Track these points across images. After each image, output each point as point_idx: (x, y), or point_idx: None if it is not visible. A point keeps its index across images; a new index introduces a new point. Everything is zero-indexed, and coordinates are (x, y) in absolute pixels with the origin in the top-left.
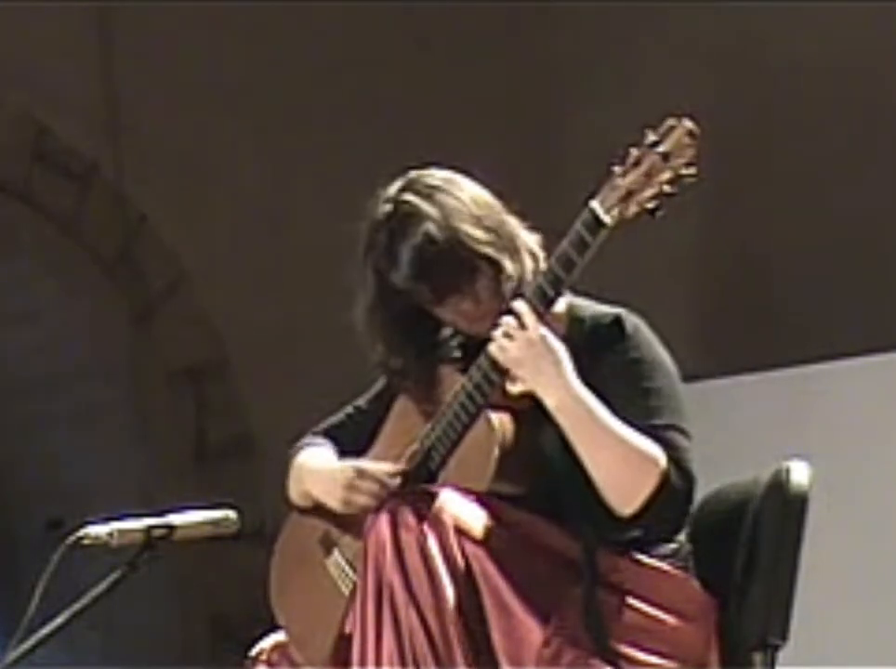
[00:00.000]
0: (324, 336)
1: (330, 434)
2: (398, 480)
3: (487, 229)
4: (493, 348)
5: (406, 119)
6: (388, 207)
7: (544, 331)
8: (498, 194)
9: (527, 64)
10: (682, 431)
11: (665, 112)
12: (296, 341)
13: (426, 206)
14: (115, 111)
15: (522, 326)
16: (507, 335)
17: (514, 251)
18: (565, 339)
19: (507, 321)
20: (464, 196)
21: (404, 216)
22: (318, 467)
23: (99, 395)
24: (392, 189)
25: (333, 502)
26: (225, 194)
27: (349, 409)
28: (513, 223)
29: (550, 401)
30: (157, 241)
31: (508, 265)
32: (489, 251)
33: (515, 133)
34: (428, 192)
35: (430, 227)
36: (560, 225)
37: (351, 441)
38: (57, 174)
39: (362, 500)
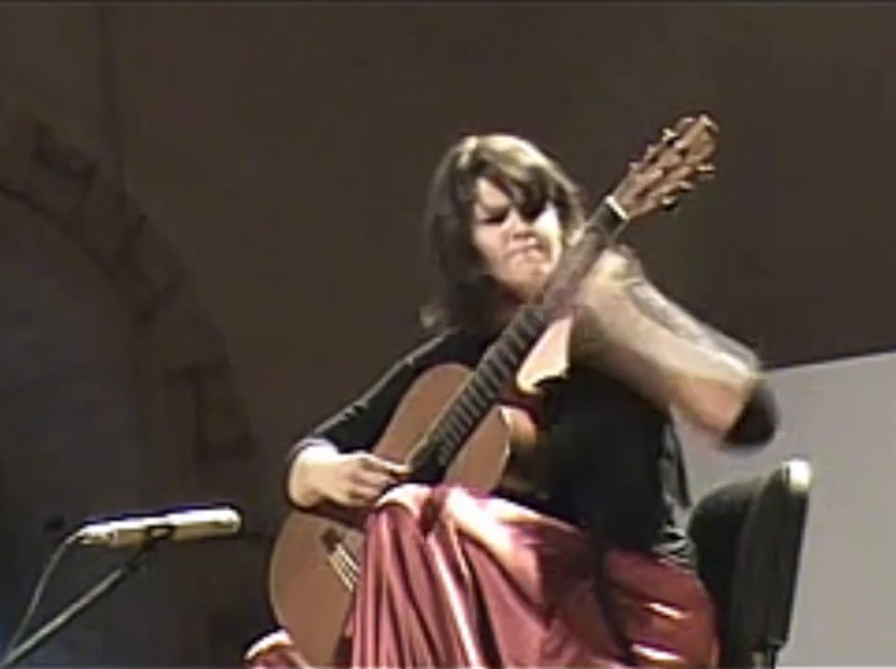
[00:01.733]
0: (324, 336)
1: (330, 435)
2: (405, 472)
3: (566, 182)
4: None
5: (406, 119)
6: (474, 142)
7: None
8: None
9: (527, 64)
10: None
11: (665, 113)
12: (296, 341)
13: (513, 148)
14: (115, 111)
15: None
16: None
17: (583, 213)
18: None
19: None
20: (542, 156)
21: (495, 146)
22: (322, 462)
23: (99, 395)
24: (472, 138)
25: (339, 495)
26: (225, 194)
27: (350, 409)
28: None
29: (626, 331)
30: (157, 241)
31: (578, 217)
32: (568, 198)
33: (515, 133)
34: (513, 142)
35: (522, 155)
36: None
37: (353, 442)
38: (57, 174)
39: (369, 491)
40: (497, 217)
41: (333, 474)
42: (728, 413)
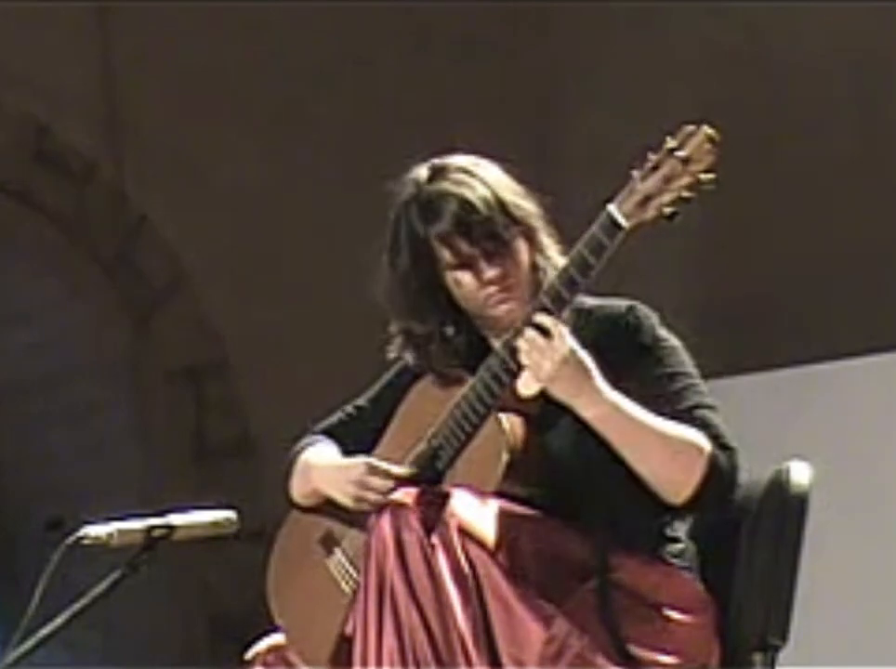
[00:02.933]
0: (324, 336)
1: (330, 434)
2: (409, 475)
3: (526, 202)
4: (525, 361)
5: (406, 119)
6: (426, 173)
7: (572, 343)
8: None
9: (527, 65)
10: (711, 407)
11: (665, 114)
12: (296, 341)
13: (467, 177)
14: (115, 111)
15: (548, 337)
16: (536, 348)
17: (548, 231)
18: (573, 332)
19: (532, 335)
20: (499, 174)
21: (448, 179)
22: (326, 463)
23: (99, 395)
24: (425, 166)
25: (343, 498)
26: (225, 194)
27: (349, 408)
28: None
29: (589, 414)
30: (157, 241)
31: (544, 239)
32: (531, 220)
33: (515, 133)
34: (467, 167)
35: (477, 186)
36: (559, 225)
37: (353, 441)
38: (57, 174)
39: (374, 496)
40: (465, 264)
41: (337, 476)
42: (678, 499)
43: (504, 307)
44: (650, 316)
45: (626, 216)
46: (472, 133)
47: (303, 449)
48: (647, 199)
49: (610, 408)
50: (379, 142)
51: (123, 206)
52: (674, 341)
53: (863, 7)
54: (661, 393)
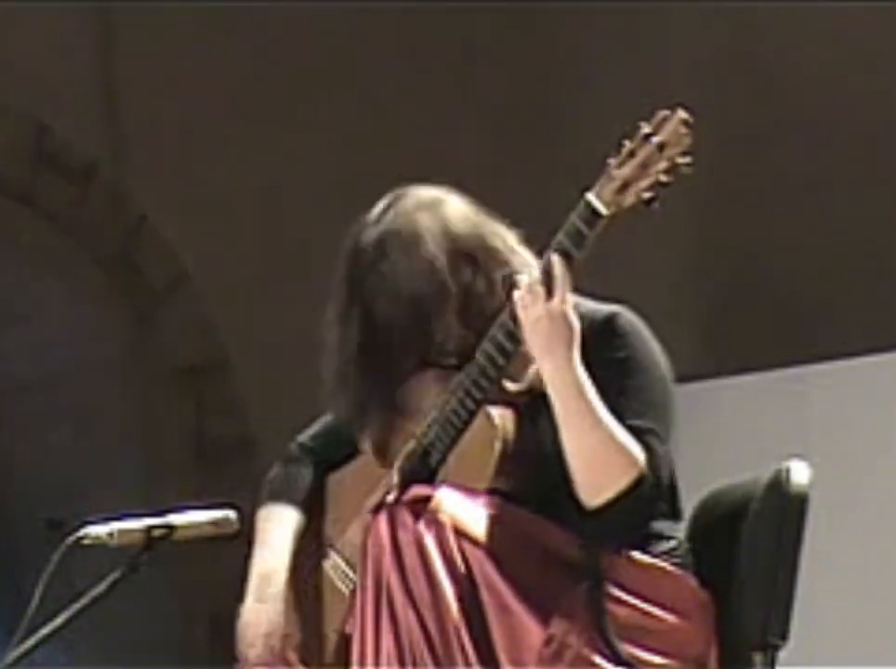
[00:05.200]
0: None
1: (316, 443)
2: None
3: (457, 256)
4: (516, 299)
5: (405, 119)
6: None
7: (568, 308)
8: (495, 197)
9: (527, 64)
10: (659, 437)
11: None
12: (296, 341)
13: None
14: (115, 111)
15: (549, 292)
16: (533, 292)
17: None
18: None
19: (535, 281)
20: (441, 221)
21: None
22: (251, 595)
23: (99, 395)
24: (367, 223)
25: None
26: (225, 194)
27: (330, 418)
28: (500, 236)
29: (547, 369)
30: (157, 241)
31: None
32: (451, 285)
33: (515, 134)
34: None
35: (400, 266)
36: (558, 225)
37: (338, 448)
38: (57, 174)
39: (253, 656)
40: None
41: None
42: (592, 501)
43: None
44: (632, 326)
45: (605, 204)
46: (471, 133)
47: (267, 500)
48: (625, 185)
49: (569, 373)
50: (379, 142)
51: (123, 206)
52: (650, 357)
53: (860, 7)
54: (620, 407)
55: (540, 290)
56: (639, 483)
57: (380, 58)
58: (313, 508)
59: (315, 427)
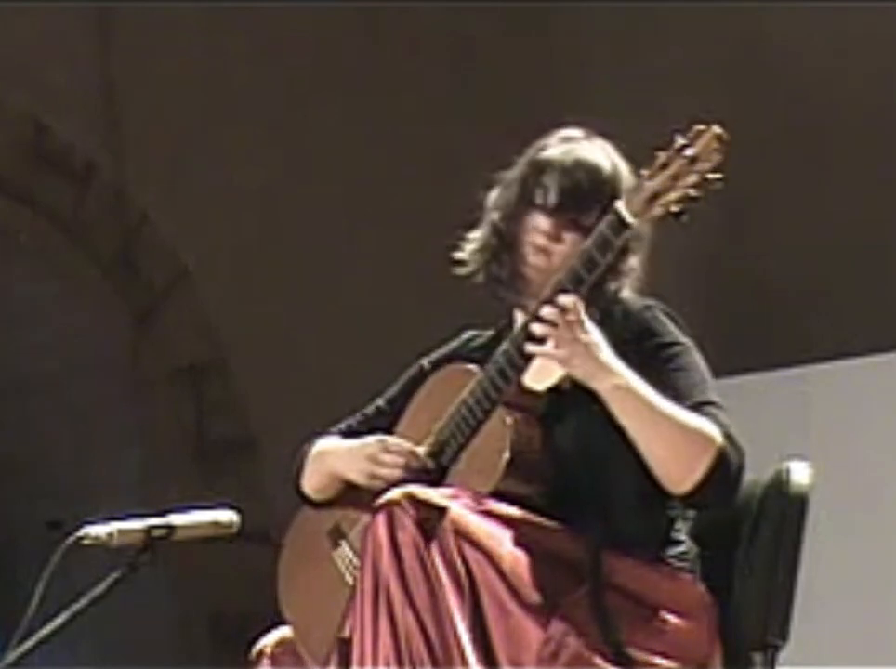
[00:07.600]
0: (325, 336)
1: (347, 434)
2: (423, 455)
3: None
4: (535, 347)
5: (405, 119)
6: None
7: (588, 323)
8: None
9: (527, 64)
10: (721, 407)
11: (665, 116)
12: (296, 340)
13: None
14: (115, 111)
15: (569, 321)
16: (552, 325)
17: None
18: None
19: (550, 312)
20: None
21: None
22: (339, 446)
23: (100, 394)
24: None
25: (357, 476)
26: (225, 194)
27: (368, 409)
28: None
29: (604, 387)
30: (157, 241)
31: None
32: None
33: (514, 134)
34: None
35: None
36: None
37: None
38: (56, 174)
39: (387, 473)
40: (546, 211)
41: (350, 455)
42: (682, 487)
43: (540, 260)
44: (668, 313)
45: (634, 214)
46: (471, 133)
47: (315, 441)
48: (654, 197)
49: (624, 383)
50: (379, 142)
51: (122, 206)
52: (688, 341)
53: (866, 9)
54: (672, 389)
55: (558, 324)
56: (722, 454)
57: (380, 58)
58: (332, 501)
59: (346, 423)
